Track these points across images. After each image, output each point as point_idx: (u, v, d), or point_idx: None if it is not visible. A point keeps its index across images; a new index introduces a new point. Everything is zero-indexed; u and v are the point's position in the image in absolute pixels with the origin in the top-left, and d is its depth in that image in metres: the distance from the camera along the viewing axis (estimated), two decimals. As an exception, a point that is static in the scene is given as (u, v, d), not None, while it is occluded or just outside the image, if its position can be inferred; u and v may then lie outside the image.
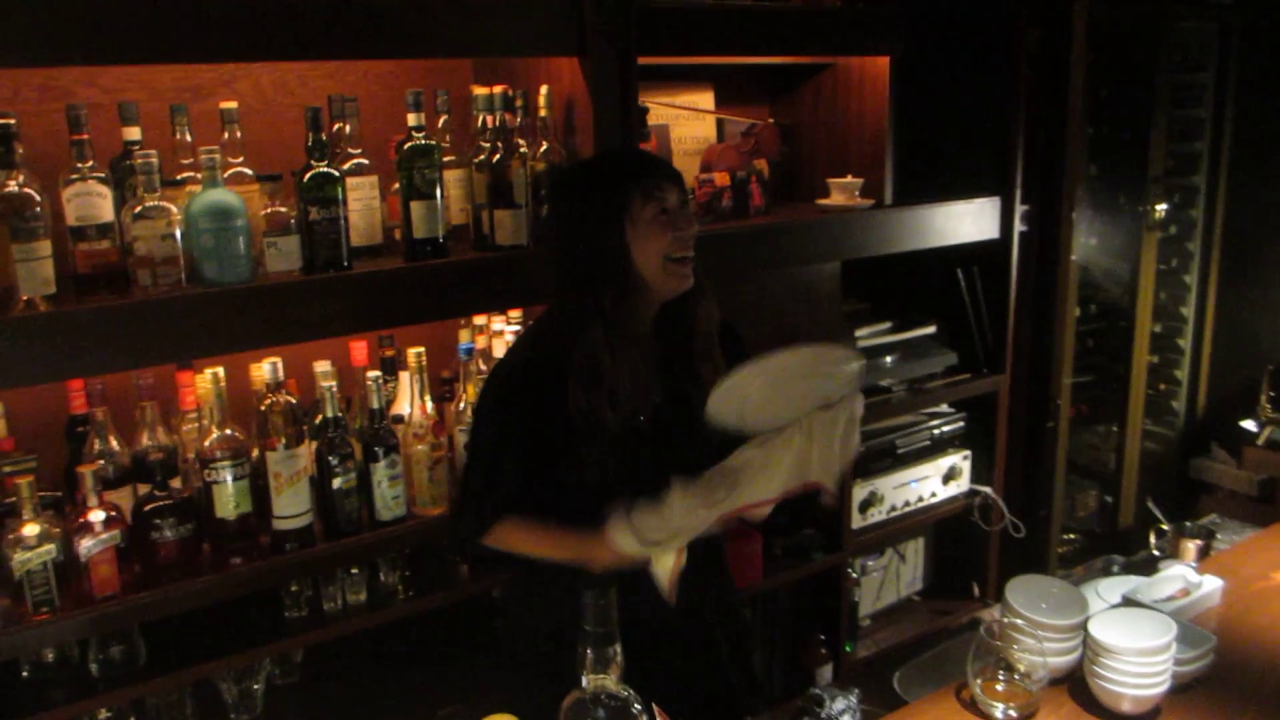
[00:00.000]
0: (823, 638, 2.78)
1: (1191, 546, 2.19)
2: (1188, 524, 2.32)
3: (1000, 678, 1.45)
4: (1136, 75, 3.24)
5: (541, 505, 1.60)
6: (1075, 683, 1.51)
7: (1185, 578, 1.76)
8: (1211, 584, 1.77)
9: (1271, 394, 3.09)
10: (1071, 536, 3.34)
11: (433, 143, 1.98)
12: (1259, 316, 3.39)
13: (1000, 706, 1.44)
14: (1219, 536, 2.25)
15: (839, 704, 1.20)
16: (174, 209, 1.73)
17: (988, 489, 2.99)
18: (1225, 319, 3.46)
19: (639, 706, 1.05)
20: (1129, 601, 1.63)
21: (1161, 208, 3.30)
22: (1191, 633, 1.55)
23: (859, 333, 2.78)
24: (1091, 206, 3.25)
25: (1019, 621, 1.49)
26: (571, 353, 1.57)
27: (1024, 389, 3.05)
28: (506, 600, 2.00)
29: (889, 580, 3.05)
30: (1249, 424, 3.22)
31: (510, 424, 1.62)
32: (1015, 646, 1.45)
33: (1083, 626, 1.50)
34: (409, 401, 2.06)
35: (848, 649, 2.83)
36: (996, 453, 3.01)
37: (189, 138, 1.86)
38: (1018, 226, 2.92)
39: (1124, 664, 1.41)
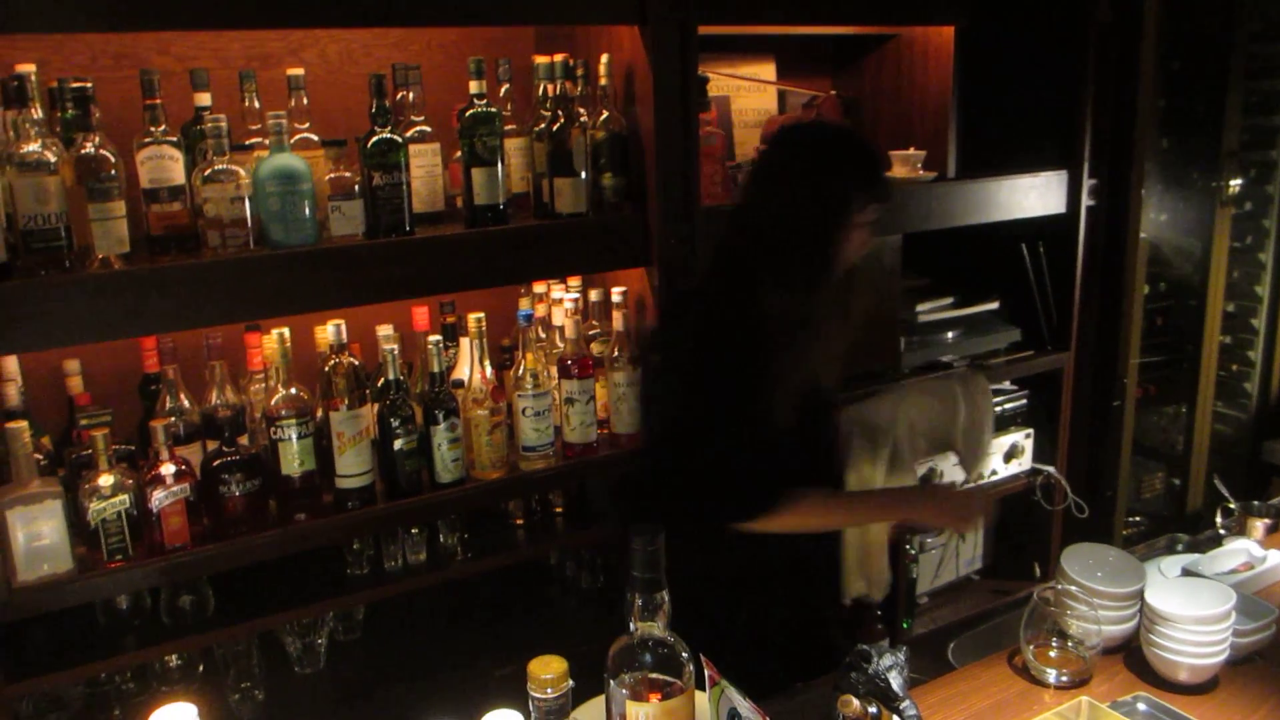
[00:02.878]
0: (879, 613, 2.78)
1: (1259, 525, 2.15)
2: (1255, 503, 2.28)
3: (1054, 644, 1.45)
4: (1212, 46, 3.16)
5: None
6: (1130, 652, 1.50)
7: (1249, 552, 1.74)
8: (1276, 558, 1.74)
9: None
10: (1137, 519, 3.28)
11: (494, 110, 2.01)
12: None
13: (1053, 672, 1.44)
14: (1286, 516, 2.20)
15: (886, 660, 1.21)
16: (242, 172, 1.78)
17: (1050, 468, 2.95)
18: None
19: (686, 654, 1.07)
20: (1189, 573, 1.61)
21: (1236, 183, 3.22)
22: (1253, 604, 1.53)
23: (920, 308, 2.76)
24: (1162, 181, 3.18)
25: (1074, 588, 1.48)
26: (771, 315, 1.67)
27: (1089, 367, 3.00)
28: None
29: (948, 559, 3.03)
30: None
31: (745, 387, 1.67)
32: (1069, 613, 1.44)
33: (1139, 595, 1.48)
34: (469, 367, 2.10)
35: (905, 625, 2.82)
36: (1060, 431, 2.97)
37: (257, 104, 1.91)
38: (1085, 201, 2.87)
39: (1181, 632, 1.40)
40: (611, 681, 1.05)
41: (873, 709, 1.19)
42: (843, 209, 1.68)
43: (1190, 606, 1.41)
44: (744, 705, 1.09)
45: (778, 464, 1.66)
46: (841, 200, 1.68)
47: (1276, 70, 3.27)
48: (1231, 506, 2.25)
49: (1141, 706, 1.39)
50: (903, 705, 1.20)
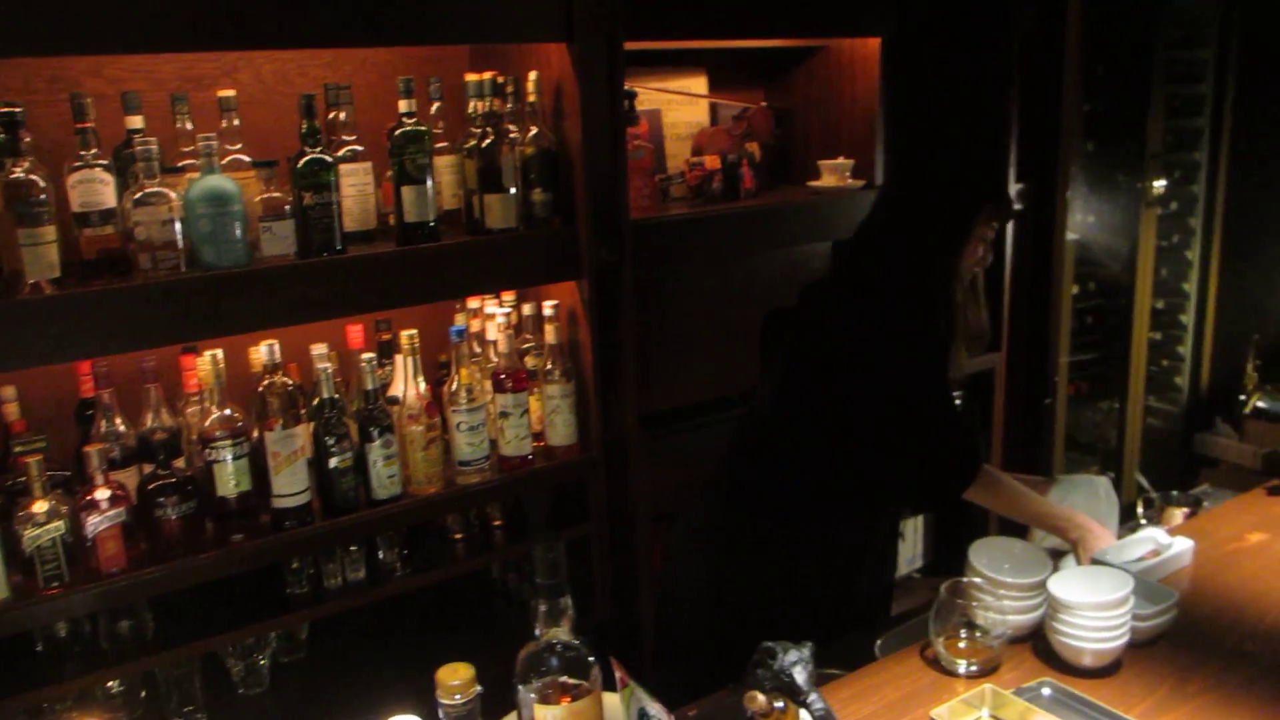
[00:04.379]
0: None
1: (1177, 514, 2.25)
2: (1174, 493, 2.39)
3: (963, 635, 1.53)
4: (1134, 52, 3.28)
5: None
6: (1038, 640, 1.58)
7: (1155, 539, 1.83)
8: (1182, 545, 1.83)
9: (1258, 362, 3.13)
10: (1072, 513, 3.38)
11: (423, 128, 2.06)
12: (1262, 291, 3.43)
13: (962, 663, 1.52)
14: (1205, 505, 2.31)
15: (791, 655, 1.27)
16: (174, 195, 1.82)
17: (986, 466, 3.03)
18: (1228, 294, 3.49)
19: (593, 657, 1.13)
20: (1095, 562, 1.70)
21: (1160, 184, 3.34)
22: (1153, 589, 1.62)
23: (854, 312, 2.83)
24: (1089, 184, 3.30)
25: (979, 580, 1.56)
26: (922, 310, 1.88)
27: (1021, 367, 3.11)
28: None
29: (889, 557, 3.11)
30: (1255, 398, 3.26)
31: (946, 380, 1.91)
32: (976, 605, 1.52)
33: (1043, 585, 1.56)
34: (404, 383, 2.15)
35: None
36: (995, 430, 3.07)
37: (190, 126, 1.95)
38: (1012, 205, 2.97)
39: (1081, 618, 1.48)
40: (520, 687, 1.11)
41: (779, 704, 1.26)
42: (970, 220, 1.88)
43: (1090, 594, 1.50)
44: (653, 706, 1.15)
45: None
46: (971, 210, 1.88)
47: (1196, 75, 3.40)
48: (1152, 497, 2.35)
49: (1046, 691, 1.47)
50: (809, 699, 1.27)
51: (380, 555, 2.18)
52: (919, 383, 1.88)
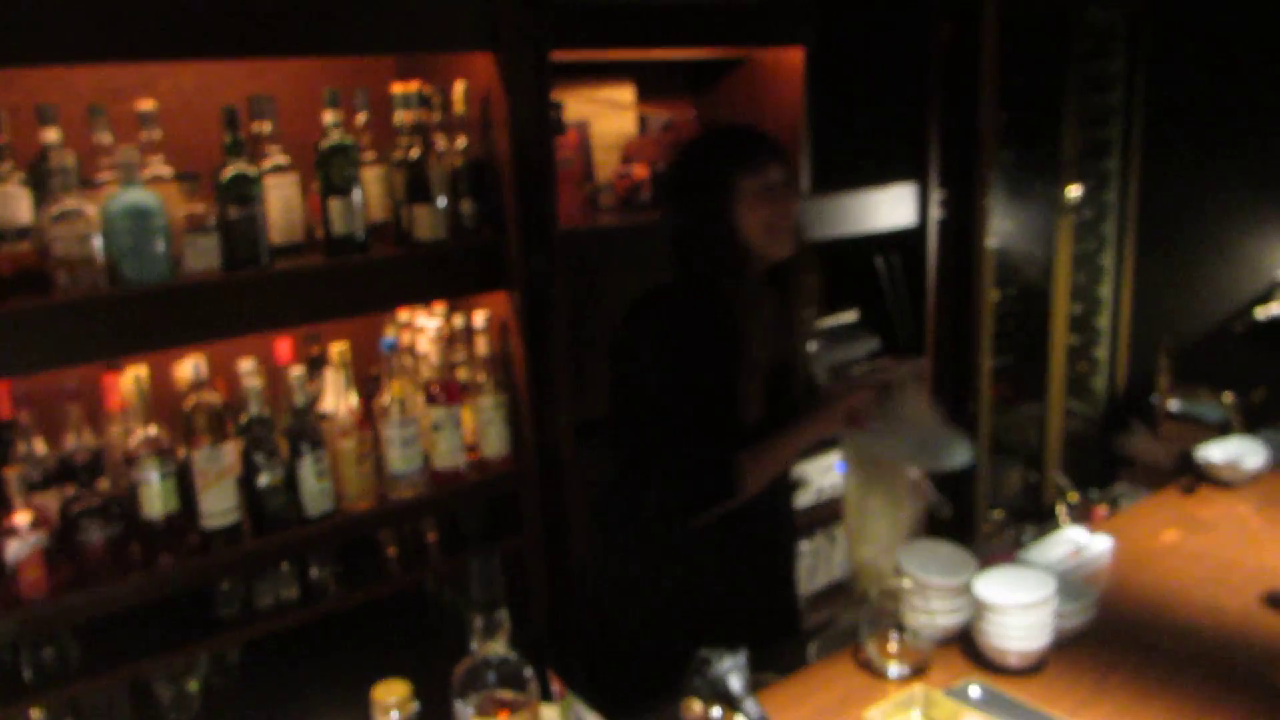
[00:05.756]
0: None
1: (1097, 512, 2.33)
2: (1093, 492, 2.47)
3: (893, 638, 1.57)
4: (1049, 63, 3.39)
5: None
6: (966, 640, 1.63)
7: (1076, 539, 1.89)
8: (1101, 544, 1.90)
9: (1170, 365, 3.26)
10: (999, 514, 3.48)
11: (348, 141, 2.05)
12: (1174, 295, 3.56)
13: (893, 664, 1.56)
14: (1122, 504, 2.39)
15: (726, 663, 1.30)
16: (92, 210, 1.79)
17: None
18: (1142, 298, 3.62)
19: (529, 670, 1.14)
20: (1018, 563, 1.75)
21: (1075, 192, 3.45)
22: (1074, 588, 1.68)
23: (782, 319, 2.88)
24: (1008, 191, 3.40)
25: (908, 583, 1.60)
26: (697, 310, 1.81)
27: (945, 372, 3.19)
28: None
29: (822, 562, 3.16)
30: (1167, 398, 3.38)
31: (679, 370, 1.81)
32: (906, 607, 1.56)
33: (969, 586, 1.61)
34: (334, 398, 2.13)
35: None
36: (920, 434, 3.14)
37: (109, 139, 1.91)
38: (934, 213, 3.06)
39: (1006, 619, 1.53)
40: (458, 702, 1.12)
41: (715, 711, 1.28)
42: (721, 183, 1.79)
43: (1013, 594, 1.55)
44: (590, 717, 1.16)
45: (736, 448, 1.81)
46: (715, 176, 1.80)
47: (1107, 85, 3.53)
48: (1072, 498, 2.43)
49: (974, 692, 1.51)
50: (745, 705, 1.30)
51: (313, 573, 2.15)
52: (656, 398, 1.84)
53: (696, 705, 1.28)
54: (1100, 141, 3.56)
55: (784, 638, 2.03)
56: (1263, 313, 3.19)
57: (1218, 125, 3.36)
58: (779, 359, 1.92)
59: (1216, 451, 2.19)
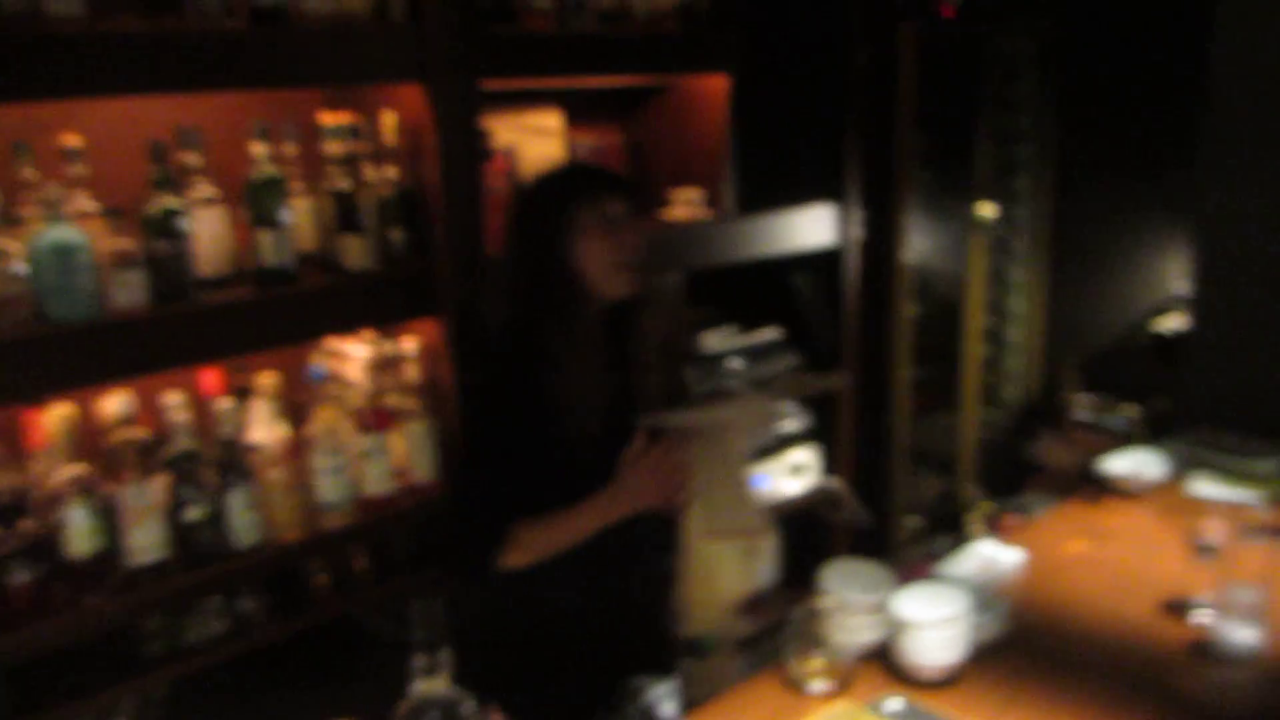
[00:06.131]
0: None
1: (1007, 523, 2.45)
2: (1004, 501, 2.59)
3: (816, 654, 1.64)
4: (963, 87, 3.53)
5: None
6: (885, 654, 1.71)
7: (988, 552, 2.00)
8: (1012, 556, 2.01)
9: (1074, 374, 3.41)
10: (915, 521, 3.60)
11: (277, 173, 2.06)
12: (1081, 308, 3.72)
13: (817, 681, 1.63)
14: (1033, 512, 2.51)
15: (657, 690, 1.36)
16: (17, 247, 1.78)
17: (834, 482, 3.22)
18: (1051, 312, 3.78)
19: (472, 704, 1.18)
20: (933, 578, 1.84)
21: (988, 210, 3.60)
22: (987, 601, 1.78)
23: (706, 338, 2.96)
24: (926, 210, 3.52)
25: (829, 601, 1.68)
26: (528, 354, 1.77)
27: (864, 385, 3.30)
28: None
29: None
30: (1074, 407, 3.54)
31: (491, 431, 1.78)
32: (827, 625, 1.64)
33: (887, 603, 1.69)
34: (263, 428, 2.14)
35: (707, 647, 3.00)
36: (841, 447, 3.25)
37: (33, 175, 1.90)
38: (854, 232, 3.17)
39: (922, 634, 1.62)
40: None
41: (649, 736, 1.34)
42: (559, 218, 1.76)
43: (929, 611, 1.63)
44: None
45: (538, 502, 1.74)
46: (553, 210, 1.77)
47: (1018, 107, 3.68)
48: (984, 509, 2.54)
49: (895, 705, 1.60)
50: (678, 730, 1.36)
51: (242, 606, 2.16)
52: (467, 434, 1.84)
53: (630, 733, 1.34)
54: (1012, 161, 3.71)
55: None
56: (1161, 326, 3.37)
57: (1120, 147, 3.52)
58: (614, 405, 1.83)
59: (1119, 463, 2.32)
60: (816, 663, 1.64)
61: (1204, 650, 1.71)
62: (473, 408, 1.84)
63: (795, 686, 1.65)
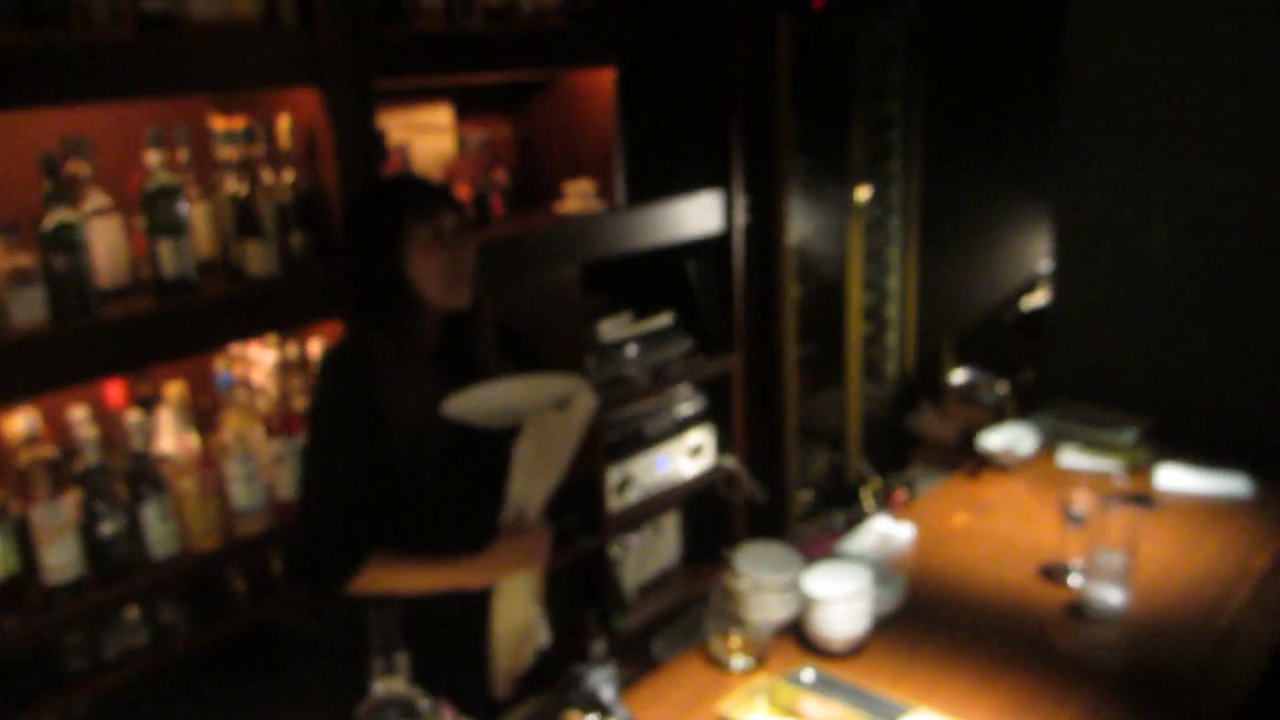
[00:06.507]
0: (596, 614, 3.07)
1: (897, 498, 2.63)
2: (893, 477, 2.78)
3: (734, 632, 1.77)
4: (837, 76, 3.70)
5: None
6: (797, 629, 1.85)
7: (884, 528, 2.16)
8: (905, 531, 2.18)
9: (949, 349, 3.66)
10: (808, 495, 3.79)
11: (175, 182, 2.05)
12: (954, 286, 3.96)
13: (737, 657, 1.76)
14: (917, 487, 2.71)
15: (597, 675, 1.46)
16: (-94, 269, 1.74)
17: (730, 461, 3.37)
18: (926, 289, 4.01)
19: (428, 702, 1.26)
20: (836, 556, 1.99)
21: (863, 194, 3.79)
22: (885, 575, 1.93)
23: (601, 326, 3.06)
24: (806, 195, 3.68)
25: (745, 583, 1.81)
26: (366, 361, 1.79)
27: (755, 366, 3.46)
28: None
29: (650, 555, 3.38)
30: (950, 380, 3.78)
31: (336, 440, 1.79)
32: (744, 604, 1.77)
33: (797, 582, 1.83)
34: (172, 438, 2.14)
35: (618, 623, 3.13)
36: (735, 426, 3.40)
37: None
38: (739, 218, 3.31)
39: (830, 609, 1.77)
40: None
41: (591, 719, 1.45)
42: (390, 233, 1.78)
43: (835, 586, 1.78)
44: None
45: (385, 520, 1.76)
46: (385, 225, 1.79)
47: (889, 94, 3.87)
48: (875, 485, 2.72)
49: (808, 676, 1.73)
50: (617, 711, 1.47)
51: (161, 616, 2.16)
52: (310, 450, 1.86)
53: (574, 716, 1.44)
54: (885, 146, 3.91)
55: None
56: (1026, 303, 3.62)
57: (985, 130, 3.76)
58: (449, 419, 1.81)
59: (994, 439, 2.52)
60: (735, 640, 1.77)
61: (1077, 611, 1.91)
62: (312, 423, 1.85)
63: (717, 663, 1.78)
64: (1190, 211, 2.77)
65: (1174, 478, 2.36)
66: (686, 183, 3.21)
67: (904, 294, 4.00)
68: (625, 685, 1.73)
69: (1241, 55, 2.64)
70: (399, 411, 1.79)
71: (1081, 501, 2.02)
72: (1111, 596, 1.87)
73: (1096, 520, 1.94)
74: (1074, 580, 1.96)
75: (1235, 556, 2.07)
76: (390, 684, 1.24)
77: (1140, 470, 2.41)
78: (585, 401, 1.79)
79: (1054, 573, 2.02)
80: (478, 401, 1.77)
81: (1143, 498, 2.27)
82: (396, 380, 1.80)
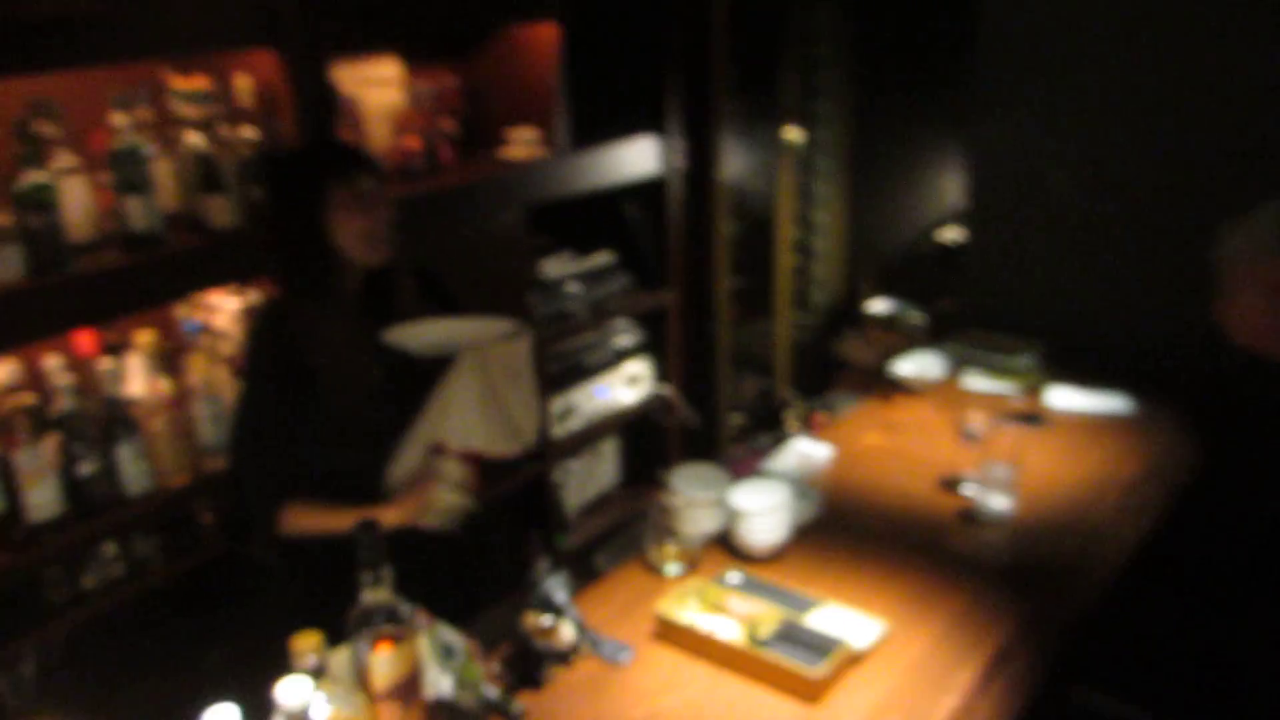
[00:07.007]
0: (539, 533, 3.31)
1: (818, 421, 2.89)
2: (816, 401, 3.03)
3: (670, 543, 2.02)
4: (769, 20, 3.87)
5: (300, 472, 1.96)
6: (725, 539, 2.10)
7: (804, 448, 2.41)
8: (824, 451, 2.43)
9: (872, 279, 3.92)
10: (738, 419, 4.05)
11: (139, 143, 2.19)
12: (879, 219, 4.20)
13: (672, 565, 2.01)
14: (838, 409, 2.96)
15: (551, 581, 1.70)
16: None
17: (666, 389, 3.61)
18: (852, 224, 4.25)
19: (408, 608, 1.48)
20: (761, 474, 2.25)
21: (794, 133, 3.99)
22: (804, 490, 2.19)
23: (545, 265, 3.25)
24: (739, 136, 3.87)
25: (679, 499, 2.06)
26: (292, 320, 1.95)
27: (690, 299, 3.68)
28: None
29: (591, 478, 3.62)
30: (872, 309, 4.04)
31: (261, 393, 1.97)
32: (679, 518, 2.02)
33: (726, 497, 2.08)
34: (142, 382, 2.31)
35: (560, 541, 3.38)
36: (670, 356, 3.64)
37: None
38: (676, 160, 3.49)
39: (754, 521, 2.02)
40: (354, 639, 1.45)
41: (547, 620, 1.69)
42: (312, 196, 1.90)
43: (758, 501, 2.03)
44: (452, 636, 1.53)
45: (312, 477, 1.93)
46: (306, 189, 1.91)
47: (818, 37, 4.05)
48: (799, 409, 2.97)
49: (735, 578, 1.98)
50: (569, 612, 1.71)
51: (137, 550, 2.34)
52: (240, 406, 2.00)
53: (533, 617, 1.68)
54: (814, 87, 4.11)
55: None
56: (944, 236, 3.87)
57: (910, 74, 3.96)
58: (380, 370, 1.98)
59: (905, 366, 2.78)
60: (671, 550, 2.02)
61: (970, 517, 2.18)
62: (243, 381, 2.00)
63: (655, 570, 2.03)
64: (1090, 155, 3.01)
65: (1062, 397, 2.65)
66: (627, 128, 3.37)
67: (832, 228, 4.24)
68: (573, 593, 1.97)
69: (1148, 12, 2.85)
70: (326, 363, 1.94)
71: (977, 420, 2.29)
72: (998, 503, 2.14)
73: (989, 436, 2.21)
74: (967, 490, 2.24)
75: (1110, 467, 2.37)
76: (376, 594, 1.46)
77: (1034, 392, 2.69)
78: (521, 341, 1.94)
79: (951, 484, 2.29)
80: (419, 335, 1.92)
81: (1033, 416, 2.55)
82: (323, 334, 1.94)
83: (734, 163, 3.83)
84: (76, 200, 2.16)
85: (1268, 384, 2.14)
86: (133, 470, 2.25)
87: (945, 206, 3.92)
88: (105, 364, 2.22)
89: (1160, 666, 2.59)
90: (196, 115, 2.32)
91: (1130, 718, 2.79)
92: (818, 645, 1.71)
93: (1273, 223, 1.93)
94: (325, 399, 1.95)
